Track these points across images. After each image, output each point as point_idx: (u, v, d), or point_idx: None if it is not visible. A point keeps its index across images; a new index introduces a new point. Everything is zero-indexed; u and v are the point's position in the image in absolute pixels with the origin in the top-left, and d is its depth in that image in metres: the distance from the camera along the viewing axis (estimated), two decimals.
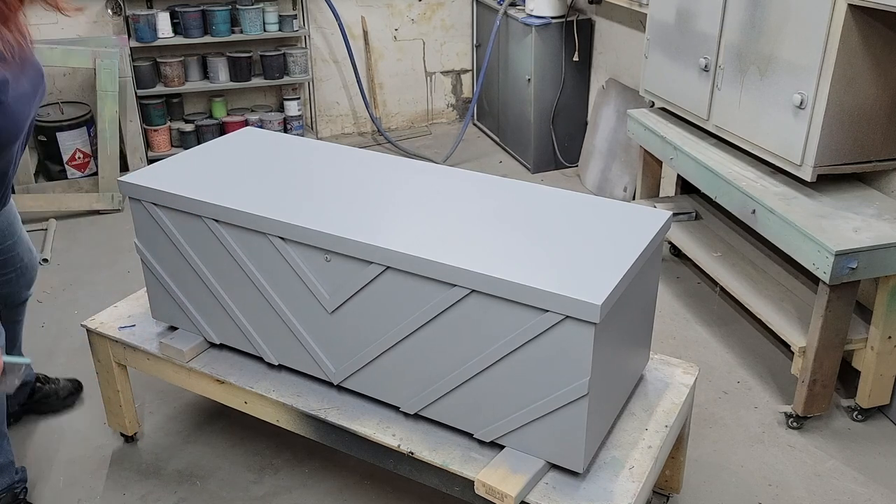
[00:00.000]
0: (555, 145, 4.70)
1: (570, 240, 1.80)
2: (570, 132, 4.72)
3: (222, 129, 4.79)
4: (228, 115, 4.90)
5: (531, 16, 4.44)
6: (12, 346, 2.46)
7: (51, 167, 4.44)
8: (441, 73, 5.51)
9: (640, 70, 3.40)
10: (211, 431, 2.60)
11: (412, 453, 1.86)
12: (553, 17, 4.40)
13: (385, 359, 1.89)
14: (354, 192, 2.05)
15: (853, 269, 2.28)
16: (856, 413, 2.62)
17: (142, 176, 2.16)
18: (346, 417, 1.97)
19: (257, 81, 4.80)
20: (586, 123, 4.71)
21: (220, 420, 2.64)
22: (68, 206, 4.14)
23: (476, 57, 5.46)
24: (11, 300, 2.41)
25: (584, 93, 4.68)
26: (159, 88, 4.64)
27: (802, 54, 2.41)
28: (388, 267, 1.77)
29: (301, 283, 1.93)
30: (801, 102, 2.43)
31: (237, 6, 4.58)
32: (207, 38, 4.56)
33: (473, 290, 1.67)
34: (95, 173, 4.40)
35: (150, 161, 4.56)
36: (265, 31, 4.66)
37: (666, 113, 3.33)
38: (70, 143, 4.39)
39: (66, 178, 4.44)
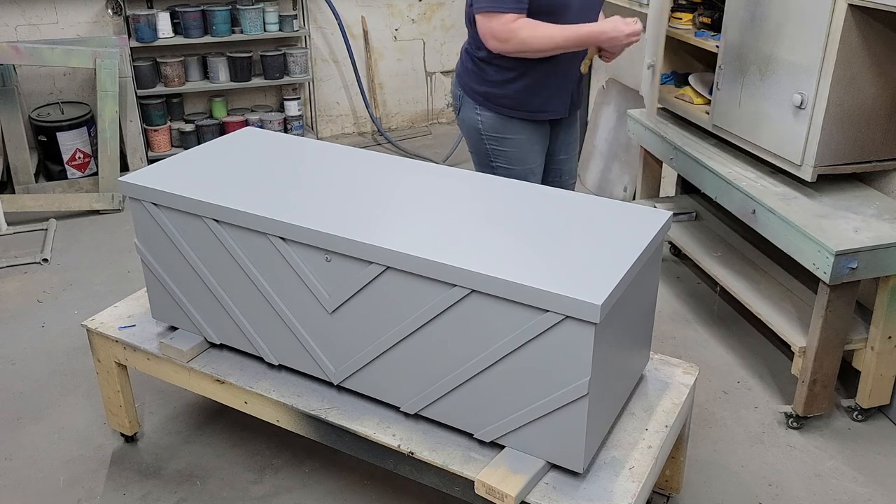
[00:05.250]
0: None
1: (570, 240, 1.80)
2: None
3: (222, 129, 4.78)
4: (228, 115, 4.90)
5: None
6: None
7: (51, 167, 4.43)
8: (441, 73, 5.51)
9: (641, 70, 3.40)
10: (211, 431, 2.60)
11: (412, 453, 1.86)
12: None
13: (385, 359, 1.89)
14: (355, 192, 2.05)
15: (853, 269, 2.28)
16: (856, 413, 2.62)
17: (142, 176, 2.16)
18: (346, 417, 1.97)
19: (257, 81, 4.80)
20: (586, 123, 4.71)
21: (220, 420, 2.64)
22: (68, 206, 4.14)
23: None
24: None
25: (584, 93, 4.67)
26: (159, 88, 4.63)
27: (802, 54, 2.41)
28: (388, 267, 1.77)
29: (301, 283, 1.93)
30: (801, 102, 2.43)
31: (237, 6, 4.58)
32: (207, 38, 4.56)
33: (473, 290, 1.67)
34: (95, 173, 4.40)
35: (150, 161, 4.56)
36: (265, 31, 4.66)
37: (666, 113, 3.33)
38: (70, 143, 4.38)
39: (66, 178, 4.44)
